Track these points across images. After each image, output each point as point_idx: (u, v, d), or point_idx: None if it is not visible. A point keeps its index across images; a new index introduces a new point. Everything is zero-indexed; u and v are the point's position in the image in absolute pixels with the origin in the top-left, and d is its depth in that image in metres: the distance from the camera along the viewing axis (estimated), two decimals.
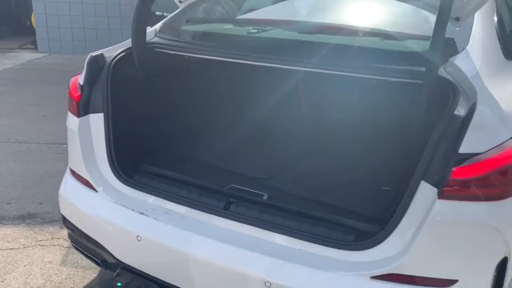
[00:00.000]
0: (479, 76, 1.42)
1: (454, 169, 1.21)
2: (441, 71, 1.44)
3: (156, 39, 1.91)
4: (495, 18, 1.73)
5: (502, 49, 1.69)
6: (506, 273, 1.36)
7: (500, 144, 1.24)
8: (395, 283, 1.29)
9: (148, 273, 1.59)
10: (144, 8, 1.78)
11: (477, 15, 1.61)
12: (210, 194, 1.64)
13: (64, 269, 2.27)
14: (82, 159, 1.74)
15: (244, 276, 1.40)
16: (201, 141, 2.14)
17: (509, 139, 1.26)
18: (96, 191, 1.72)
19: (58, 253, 2.38)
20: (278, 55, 1.62)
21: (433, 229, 1.25)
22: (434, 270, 1.27)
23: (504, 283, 1.37)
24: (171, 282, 1.55)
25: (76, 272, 2.25)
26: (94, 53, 1.80)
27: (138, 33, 1.80)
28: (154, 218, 1.58)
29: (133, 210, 1.62)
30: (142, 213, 1.61)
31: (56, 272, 2.25)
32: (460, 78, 1.40)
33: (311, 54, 1.57)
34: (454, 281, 1.27)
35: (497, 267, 1.33)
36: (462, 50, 1.51)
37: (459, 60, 1.46)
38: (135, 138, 1.87)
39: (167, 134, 2.04)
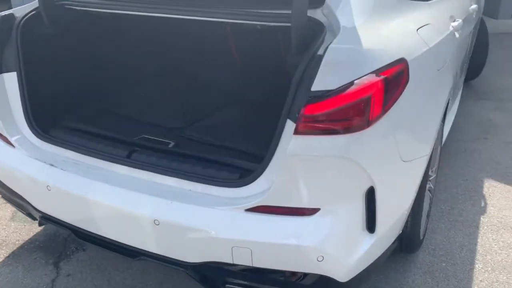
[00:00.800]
0: (352, 15, 1.47)
1: (306, 105, 1.29)
2: (318, 13, 1.49)
3: None
4: None
5: None
6: (376, 201, 1.45)
7: (354, 80, 1.30)
8: (264, 214, 1.40)
9: (62, 219, 1.71)
10: None
11: None
12: (117, 145, 1.73)
13: (12, 224, 2.41)
14: None
15: (136, 216, 1.52)
16: (120, 95, 2.23)
17: (367, 74, 1.33)
18: (14, 146, 1.82)
19: (8, 210, 2.51)
20: (170, 5, 1.67)
21: (291, 163, 1.34)
22: (296, 201, 1.37)
23: (377, 210, 1.47)
24: (81, 226, 1.67)
25: (23, 226, 2.39)
26: (3, 13, 1.86)
27: None
28: (61, 169, 1.68)
29: (45, 162, 1.73)
30: (52, 165, 1.71)
31: (4, 227, 2.39)
32: (333, 19, 1.45)
33: (197, 3, 1.62)
34: (316, 210, 1.38)
35: (365, 196, 1.43)
36: None
37: (337, 1, 1.50)
38: (52, 95, 1.95)
39: (87, 89, 2.12)
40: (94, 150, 1.70)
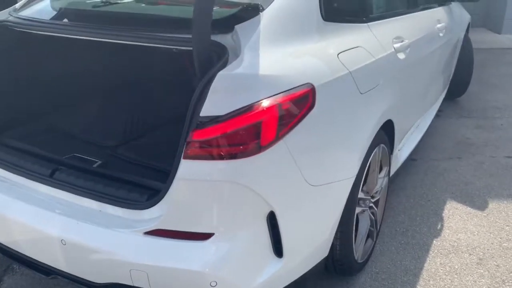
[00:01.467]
0: (259, 41, 1.48)
1: (194, 130, 1.30)
2: (228, 38, 1.51)
3: (10, 18, 2.01)
4: None
5: (321, 11, 1.73)
6: (279, 225, 1.45)
7: (245, 106, 1.31)
8: (160, 237, 1.41)
9: None
10: None
11: None
12: (44, 163, 1.77)
13: None
14: None
15: (47, 236, 1.55)
16: (62, 113, 2.27)
17: (259, 100, 1.34)
18: None
19: None
20: (90, 28, 1.71)
21: (181, 187, 1.35)
22: (189, 225, 1.38)
23: (281, 235, 1.47)
24: (2, 242, 1.71)
25: None
26: None
27: None
28: None
29: None
30: None
31: None
32: (239, 45, 1.46)
33: (119, 25, 1.66)
34: (209, 235, 1.38)
35: (267, 220, 1.43)
36: (255, 16, 1.55)
37: (245, 26, 1.52)
38: None
39: (29, 107, 2.17)
40: (20, 167, 1.74)
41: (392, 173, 2.46)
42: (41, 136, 2.05)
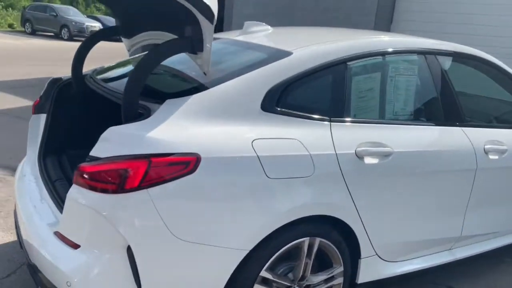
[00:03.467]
0: (175, 115, 1.87)
1: (81, 164, 1.77)
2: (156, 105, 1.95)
3: (87, 75, 2.77)
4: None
5: (264, 102, 2.03)
6: (136, 261, 1.76)
7: (117, 156, 1.73)
8: (56, 237, 1.88)
9: None
10: (81, 52, 2.73)
11: None
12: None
13: None
14: None
15: None
16: None
17: (134, 155, 1.73)
18: None
19: None
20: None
21: (68, 204, 1.82)
22: (67, 232, 1.83)
23: (139, 270, 1.77)
24: None
25: None
26: (55, 77, 2.85)
27: (77, 68, 2.75)
28: None
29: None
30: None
31: None
32: (159, 111, 1.89)
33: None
34: (77, 245, 1.80)
35: (126, 252, 1.77)
36: (189, 95, 1.95)
37: (174, 102, 1.93)
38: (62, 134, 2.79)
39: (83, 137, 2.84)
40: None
41: (367, 279, 2.39)
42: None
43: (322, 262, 2.26)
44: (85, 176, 1.75)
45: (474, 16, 7.41)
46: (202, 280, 1.89)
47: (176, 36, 2.15)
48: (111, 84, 2.37)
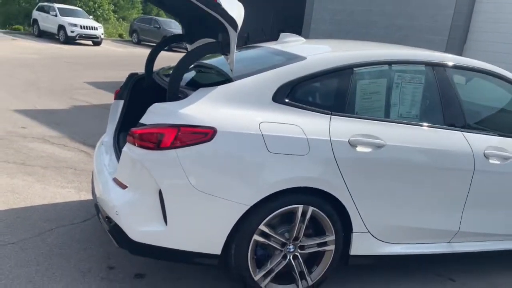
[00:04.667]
0: (206, 98, 2.52)
1: (133, 128, 2.47)
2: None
3: (155, 72, 3.53)
4: None
5: (275, 95, 2.61)
6: (164, 202, 2.41)
7: (158, 124, 2.41)
8: (114, 182, 2.60)
9: None
10: (153, 53, 3.50)
11: None
12: None
13: None
14: None
15: None
16: None
17: (168, 123, 2.39)
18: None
19: None
20: None
21: (123, 157, 2.52)
22: (121, 177, 2.54)
23: (166, 209, 2.42)
24: None
25: None
26: (133, 72, 3.66)
27: (149, 66, 3.52)
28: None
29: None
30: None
31: None
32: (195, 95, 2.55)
33: None
34: (125, 186, 2.49)
35: (158, 194, 2.43)
36: (218, 85, 2.59)
37: (207, 89, 2.57)
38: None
39: None
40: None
41: (359, 253, 2.83)
42: None
43: (318, 231, 2.75)
44: (134, 136, 2.45)
45: None
46: (212, 223, 2.49)
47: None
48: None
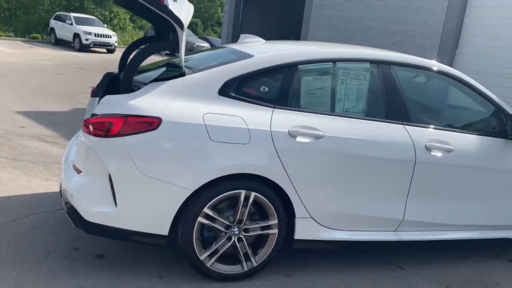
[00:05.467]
0: (157, 90, 2.77)
1: (88, 118, 2.73)
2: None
3: None
4: None
5: (221, 89, 2.84)
6: (114, 185, 2.66)
7: (107, 114, 2.66)
8: (73, 169, 2.86)
9: None
10: (125, 54, 3.78)
11: None
12: None
13: None
14: None
15: None
16: None
17: (116, 113, 2.64)
18: None
19: None
20: None
21: (79, 146, 2.79)
22: (77, 163, 2.79)
23: (115, 192, 2.66)
24: None
25: None
26: (109, 71, 3.94)
27: (121, 65, 3.79)
28: None
29: None
30: None
31: None
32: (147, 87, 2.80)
33: None
34: (80, 171, 2.75)
35: (109, 178, 2.67)
36: (168, 80, 2.83)
37: (159, 83, 2.82)
38: None
39: None
40: None
41: (303, 237, 3.02)
42: None
43: (263, 215, 2.95)
44: (87, 126, 2.71)
45: None
46: (159, 206, 2.72)
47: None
48: (137, 77, 3.36)
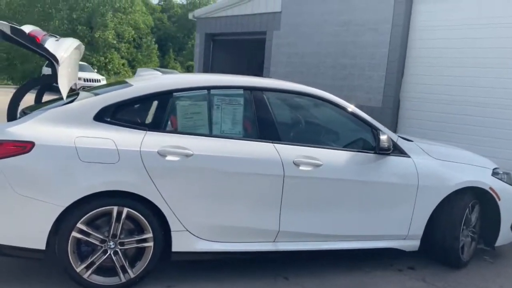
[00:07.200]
0: (40, 117, 3.09)
1: None
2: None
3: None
4: None
5: (97, 115, 3.17)
6: None
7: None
8: None
9: None
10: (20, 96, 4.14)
11: None
12: None
13: None
14: None
15: None
16: None
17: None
18: None
19: None
20: None
21: None
22: None
23: None
24: None
25: None
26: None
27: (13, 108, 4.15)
28: None
29: None
30: None
31: None
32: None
33: None
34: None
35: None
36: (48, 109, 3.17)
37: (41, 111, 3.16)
38: None
39: None
40: None
41: (180, 249, 3.26)
42: None
43: (140, 229, 3.21)
44: None
45: (473, 79, 7.78)
46: (34, 222, 2.98)
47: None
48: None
